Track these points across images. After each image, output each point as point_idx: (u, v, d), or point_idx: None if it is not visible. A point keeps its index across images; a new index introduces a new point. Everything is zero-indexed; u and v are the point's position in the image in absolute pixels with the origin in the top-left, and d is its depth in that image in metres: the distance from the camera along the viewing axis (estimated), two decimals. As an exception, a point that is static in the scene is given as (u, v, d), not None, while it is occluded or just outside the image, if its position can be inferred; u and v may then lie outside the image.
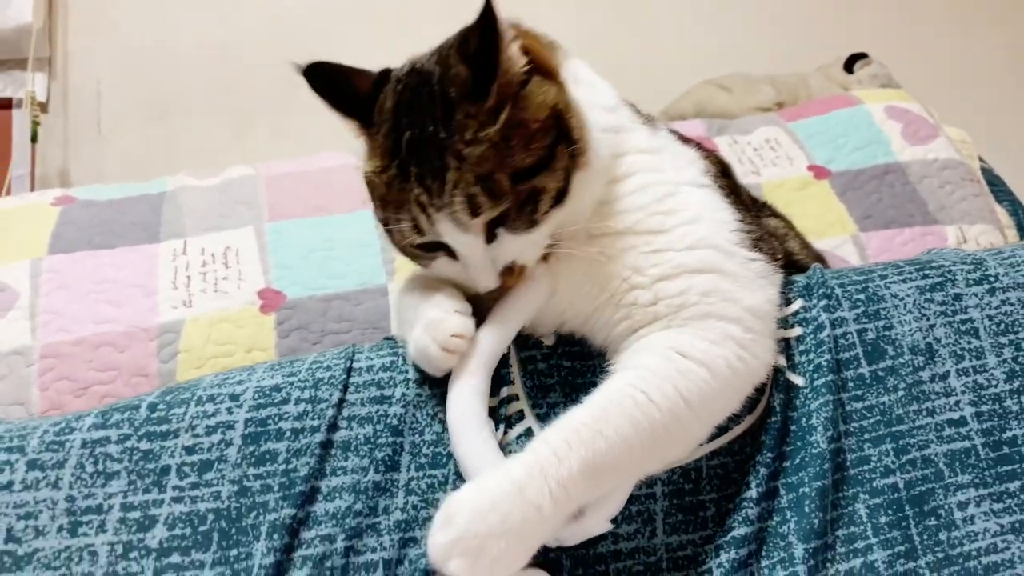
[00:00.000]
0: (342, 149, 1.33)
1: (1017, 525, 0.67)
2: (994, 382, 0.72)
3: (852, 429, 0.70)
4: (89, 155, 1.85)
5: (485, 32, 0.59)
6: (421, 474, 0.68)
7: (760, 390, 0.70)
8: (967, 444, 0.70)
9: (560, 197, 0.63)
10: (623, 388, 0.62)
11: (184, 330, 1.06)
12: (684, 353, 0.63)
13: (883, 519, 0.67)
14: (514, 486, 0.57)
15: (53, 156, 1.84)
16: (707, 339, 0.63)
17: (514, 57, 0.61)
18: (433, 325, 0.66)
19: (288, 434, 0.69)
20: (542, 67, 0.63)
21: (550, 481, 0.57)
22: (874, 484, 0.68)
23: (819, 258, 0.92)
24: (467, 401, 0.64)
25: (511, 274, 0.64)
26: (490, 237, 0.62)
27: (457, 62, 0.61)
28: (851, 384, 0.71)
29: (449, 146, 0.59)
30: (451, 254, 0.64)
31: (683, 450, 0.65)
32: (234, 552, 0.65)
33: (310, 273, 1.13)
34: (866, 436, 0.70)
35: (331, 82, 0.65)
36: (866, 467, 0.69)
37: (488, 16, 0.59)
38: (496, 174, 0.59)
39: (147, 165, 1.61)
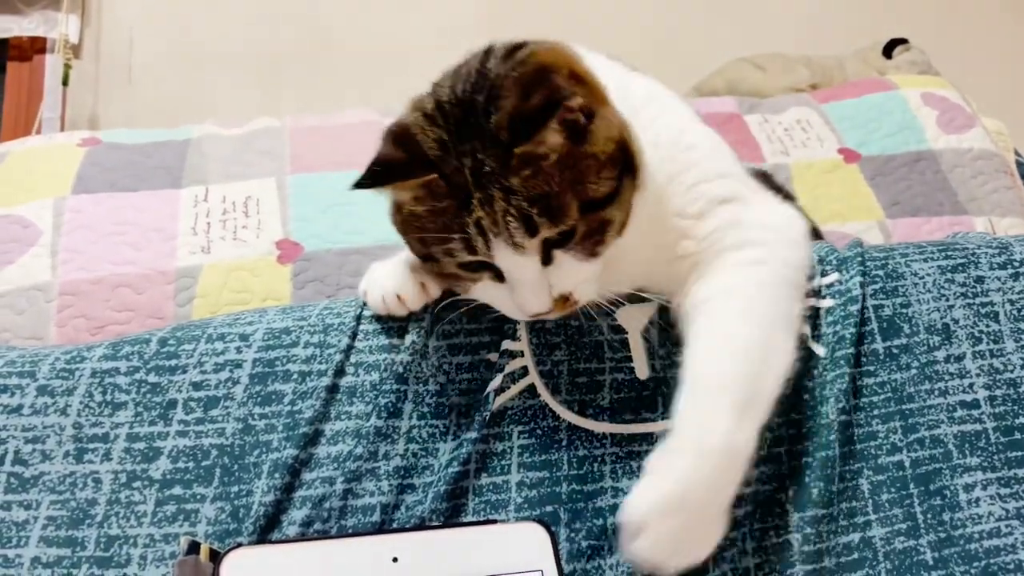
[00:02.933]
0: (367, 105, 1.33)
1: (1023, 511, 0.66)
2: (1010, 367, 0.71)
3: (862, 404, 0.69)
4: (118, 101, 1.86)
5: (546, 107, 0.57)
6: (423, 423, 0.69)
7: None
8: (978, 427, 0.69)
9: (623, 227, 0.62)
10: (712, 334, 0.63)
11: (201, 275, 1.06)
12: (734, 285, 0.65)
13: (884, 496, 0.66)
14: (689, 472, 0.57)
15: (83, 100, 1.86)
16: (746, 262, 0.66)
17: (573, 107, 0.58)
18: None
19: (295, 376, 0.70)
20: (598, 98, 0.61)
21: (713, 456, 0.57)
22: (879, 461, 0.68)
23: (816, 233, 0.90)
24: None
25: (564, 304, 0.62)
26: (546, 259, 0.60)
27: (509, 107, 0.58)
28: (864, 359, 0.71)
29: (499, 178, 0.58)
30: (497, 276, 0.62)
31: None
32: (235, 488, 0.65)
33: (329, 227, 1.13)
34: (875, 412, 0.69)
35: (374, 176, 0.62)
36: (872, 443, 0.68)
37: (551, 93, 0.57)
38: (563, 196, 0.58)
39: (175, 114, 1.61)
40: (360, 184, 0.61)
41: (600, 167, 0.59)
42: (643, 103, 0.68)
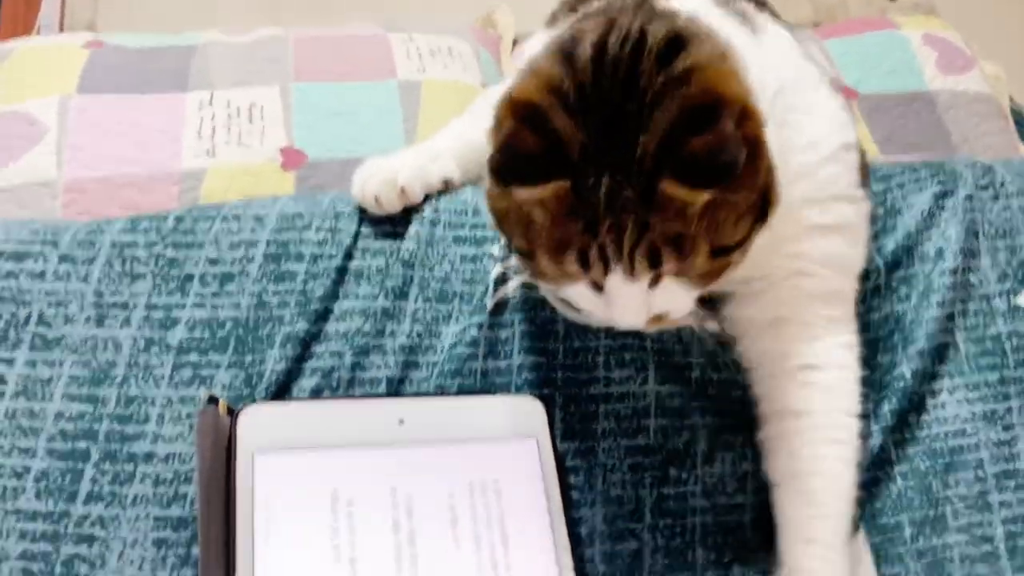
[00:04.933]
0: (371, 19, 1.33)
1: (988, 413, 0.71)
2: (985, 282, 0.75)
3: (868, 339, 0.72)
4: (118, 10, 1.84)
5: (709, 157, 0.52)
6: (427, 306, 0.72)
7: None
8: (949, 339, 0.73)
9: (739, 265, 0.59)
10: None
11: (206, 178, 1.08)
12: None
13: (886, 407, 0.71)
14: None
15: (82, 8, 1.83)
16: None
17: (737, 166, 0.52)
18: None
19: (308, 257, 0.73)
20: (760, 143, 0.55)
21: None
22: (883, 380, 0.72)
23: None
24: None
25: (658, 321, 0.59)
26: (653, 282, 0.56)
27: (663, 135, 0.52)
28: (868, 295, 0.74)
29: (636, 210, 0.53)
30: (596, 285, 0.58)
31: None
32: (249, 357, 0.69)
33: (332, 136, 1.14)
34: (880, 346, 0.73)
35: (515, 171, 0.55)
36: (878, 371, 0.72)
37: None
38: (696, 239, 0.54)
39: (175, 24, 1.60)
40: (501, 174, 0.55)
41: (739, 217, 0.55)
42: (775, 96, 0.61)
